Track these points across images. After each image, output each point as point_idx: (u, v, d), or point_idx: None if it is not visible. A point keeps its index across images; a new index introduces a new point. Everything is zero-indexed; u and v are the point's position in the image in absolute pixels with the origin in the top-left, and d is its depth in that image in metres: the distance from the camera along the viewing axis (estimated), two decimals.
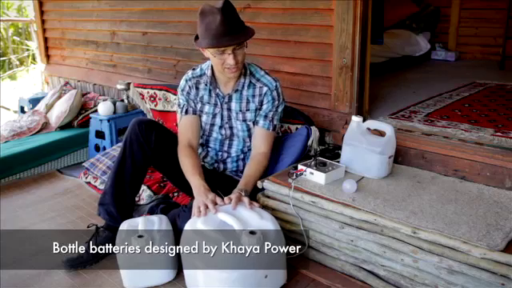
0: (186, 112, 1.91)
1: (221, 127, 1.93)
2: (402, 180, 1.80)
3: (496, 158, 1.79)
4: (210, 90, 1.89)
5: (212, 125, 1.94)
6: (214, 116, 1.92)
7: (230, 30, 1.66)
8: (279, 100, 1.89)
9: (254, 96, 1.88)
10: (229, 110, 1.90)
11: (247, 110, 1.89)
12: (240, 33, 1.70)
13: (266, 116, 1.88)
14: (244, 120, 1.90)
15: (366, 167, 1.82)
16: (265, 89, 1.86)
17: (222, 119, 1.92)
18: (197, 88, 1.90)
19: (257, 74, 1.88)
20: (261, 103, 1.88)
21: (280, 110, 1.92)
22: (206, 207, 1.56)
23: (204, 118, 1.93)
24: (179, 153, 1.83)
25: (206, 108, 1.91)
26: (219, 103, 1.89)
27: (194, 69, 1.94)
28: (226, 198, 1.61)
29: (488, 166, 1.80)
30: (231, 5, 1.69)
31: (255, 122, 1.91)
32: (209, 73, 1.85)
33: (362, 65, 2.23)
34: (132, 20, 3.47)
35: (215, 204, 1.58)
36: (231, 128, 1.93)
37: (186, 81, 1.91)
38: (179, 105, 1.94)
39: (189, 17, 3.01)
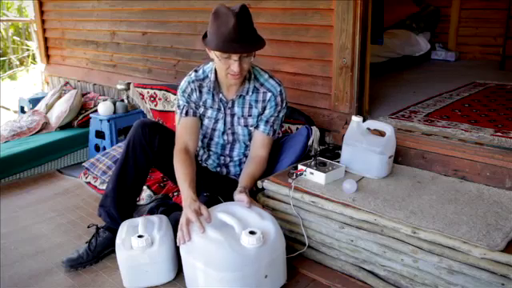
0: (186, 114, 1.85)
1: (223, 133, 1.89)
2: (402, 180, 1.80)
3: (496, 158, 1.79)
4: (213, 95, 1.85)
5: (214, 129, 1.90)
6: (217, 121, 1.88)
7: (242, 38, 1.60)
8: (282, 105, 1.85)
9: (257, 101, 1.84)
10: (232, 115, 1.86)
11: (249, 115, 1.86)
12: (251, 42, 1.65)
13: (266, 121, 1.85)
14: (246, 125, 1.87)
15: (366, 167, 1.82)
16: (269, 94, 1.82)
17: (224, 125, 1.87)
18: (200, 91, 1.84)
19: (261, 79, 1.83)
20: (263, 109, 1.84)
21: (281, 115, 1.88)
22: (188, 224, 1.51)
23: (206, 121, 1.89)
24: (174, 157, 1.78)
25: (209, 113, 1.87)
26: (222, 108, 1.85)
27: (196, 70, 1.86)
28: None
29: (488, 165, 1.80)
30: (248, 11, 1.63)
31: (256, 127, 1.87)
32: (212, 77, 1.80)
33: (362, 65, 2.23)
34: (132, 20, 3.47)
35: (199, 214, 1.52)
36: (234, 134, 1.90)
37: (189, 83, 1.84)
38: (179, 106, 1.87)
39: (189, 17, 3.01)
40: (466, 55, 4.53)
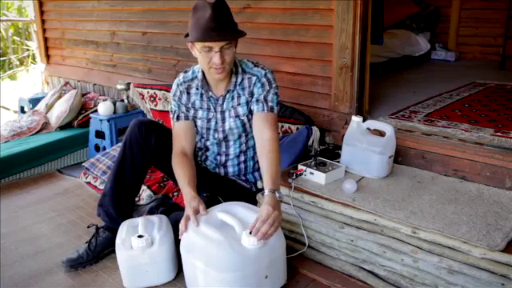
0: (178, 118, 1.85)
1: (215, 130, 1.89)
2: (402, 180, 1.80)
3: (496, 158, 1.79)
4: (201, 94, 1.83)
5: (208, 129, 1.89)
6: (209, 120, 1.87)
7: (219, 27, 1.61)
8: (270, 85, 1.79)
9: (243, 89, 1.81)
10: (222, 112, 1.85)
11: (238, 104, 1.83)
12: (229, 31, 1.65)
13: (257, 100, 1.79)
14: (237, 116, 1.84)
15: (366, 167, 1.82)
16: (254, 78, 1.80)
17: (216, 123, 1.87)
18: (188, 93, 1.84)
19: (247, 69, 1.81)
20: (251, 94, 1.81)
21: (272, 93, 1.80)
22: (188, 220, 1.53)
23: (199, 122, 1.88)
24: (173, 161, 1.77)
25: (200, 113, 1.86)
26: (212, 107, 1.84)
27: (186, 71, 1.87)
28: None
29: (488, 165, 1.80)
30: (224, 3, 1.66)
31: (250, 112, 1.83)
32: (200, 76, 1.80)
33: (362, 65, 2.23)
34: (132, 20, 3.47)
35: (197, 213, 1.53)
36: (224, 131, 1.88)
37: (178, 85, 1.85)
38: (171, 110, 1.88)
39: (189, 17, 3.00)
40: (465, 55, 4.53)
